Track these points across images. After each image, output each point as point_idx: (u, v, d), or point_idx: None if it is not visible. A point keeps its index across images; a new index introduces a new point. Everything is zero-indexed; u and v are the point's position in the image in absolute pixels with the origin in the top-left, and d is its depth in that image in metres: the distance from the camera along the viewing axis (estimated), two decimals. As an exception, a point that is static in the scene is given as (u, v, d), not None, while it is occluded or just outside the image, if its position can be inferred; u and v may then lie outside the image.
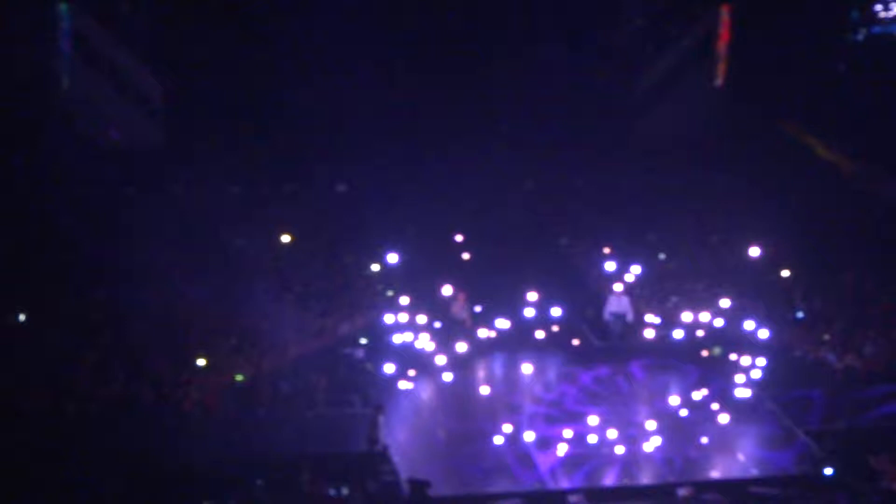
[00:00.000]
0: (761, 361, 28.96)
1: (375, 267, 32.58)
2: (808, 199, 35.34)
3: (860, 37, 42.25)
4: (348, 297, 32.10)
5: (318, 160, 37.07)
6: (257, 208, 34.50)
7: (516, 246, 33.95)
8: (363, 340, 30.24)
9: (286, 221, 34.10)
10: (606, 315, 30.52)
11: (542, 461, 26.24)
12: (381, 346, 29.82)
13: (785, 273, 32.72)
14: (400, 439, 26.86)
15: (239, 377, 27.98)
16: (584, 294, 32.72)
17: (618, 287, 30.39)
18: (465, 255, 32.12)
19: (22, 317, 28.95)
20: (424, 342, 29.88)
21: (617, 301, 30.46)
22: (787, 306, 32.32)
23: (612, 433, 26.87)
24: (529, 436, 26.63)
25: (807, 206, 34.89)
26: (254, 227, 33.68)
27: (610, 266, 32.55)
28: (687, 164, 37.80)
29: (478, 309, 30.92)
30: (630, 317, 30.44)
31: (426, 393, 28.89)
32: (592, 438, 26.87)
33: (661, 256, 33.89)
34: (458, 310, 30.13)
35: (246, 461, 25.51)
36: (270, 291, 31.18)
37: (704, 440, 26.96)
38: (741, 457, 26.93)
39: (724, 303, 31.36)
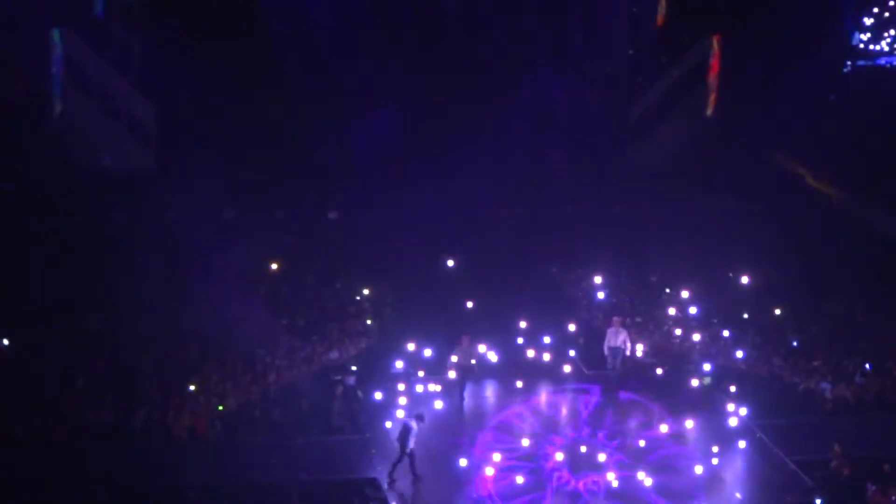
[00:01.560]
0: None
1: (366, 292, 32.71)
2: (798, 228, 35.31)
3: (847, 69, 42.30)
4: (339, 324, 32.06)
5: (310, 186, 36.94)
6: (249, 234, 34.33)
7: (507, 273, 33.88)
8: (354, 368, 30.15)
9: (278, 247, 34.18)
10: (605, 350, 30.04)
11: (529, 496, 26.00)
12: (371, 374, 29.94)
13: (777, 311, 32.77)
14: (389, 468, 26.51)
15: (221, 407, 27.88)
16: (575, 322, 32.63)
17: (616, 321, 30.10)
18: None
19: (8, 342, 28.94)
20: (416, 370, 29.88)
21: (615, 335, 29.79)
22: (780, 335, 32.38)
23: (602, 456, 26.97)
24: (519, 479, 26.32)
25: (798, 235, 34.86)
26: (246, 252, 33.50)
27: (601, 294, 32.76)
28: (677, 192, 37.81)
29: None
30: (628, 352, 29.92)
31: (417, 421, 28.22)
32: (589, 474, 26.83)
33: (667, 290, 33.72)
34: (464, 356, 29.02)
35: (235, 488, 25.26)
36: (261, 318, 31.18)
37: (699, 469, 26.77)
38: (727, 484, 26.65)
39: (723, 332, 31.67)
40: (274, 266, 33.80)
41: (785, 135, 38.29)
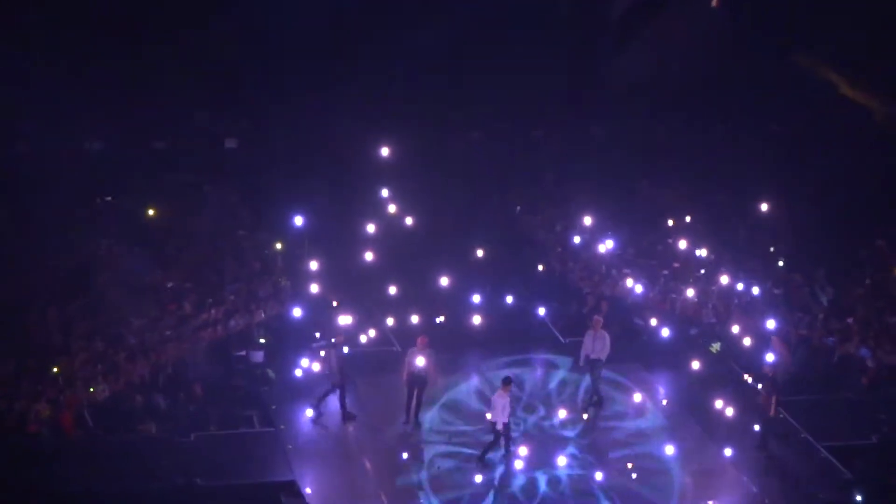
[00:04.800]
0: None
1: (278, 245, 32.60)
2: (829, 153, 35.17)
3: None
4: (242, 284, 31.97)
5: (201, 110, 36.77)
6: (124, 170, 34.23)
7: (459, 217, 34.07)
8: (262, 340, 30.07)
9: (160, 187, 33.92)
10: (581, 359, 29.16)
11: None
12: (286, 347, 29.93)
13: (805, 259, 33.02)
14: (310, 468, 26.71)
15: (92, 389, 27.70)
16: (546, 273, 32.95)
17: (597, 322, 29.13)
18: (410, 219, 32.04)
19: None
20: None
21: (592, 341, 28.88)
22: (808, 287, 32.53)
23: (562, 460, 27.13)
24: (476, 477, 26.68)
25: (828, 162, 34.79)
26: (120, 193, 33.43)
27: (577, 239, 33.07)
28: (673, 110, 37.86)
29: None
30: (605, 355, 28.95)
31: (340, 410, 28.57)
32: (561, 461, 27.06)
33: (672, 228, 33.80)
34: (418, 363, 28.18)
35: (112, 496, 25.00)
36: (140, 277, 31.00)
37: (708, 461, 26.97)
38: (745, 480, 26.75)
39: (724, 279, 31.72)
40: (154, 212, 33.57)
41: (813, 32, 38.09)
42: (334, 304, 30.85)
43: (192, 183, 35.22)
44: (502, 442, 26.73)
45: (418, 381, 28.21)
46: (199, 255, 33.00)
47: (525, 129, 37.61)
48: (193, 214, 34.20)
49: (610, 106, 37.67)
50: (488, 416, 26.79)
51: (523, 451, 26.73)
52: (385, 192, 32.23)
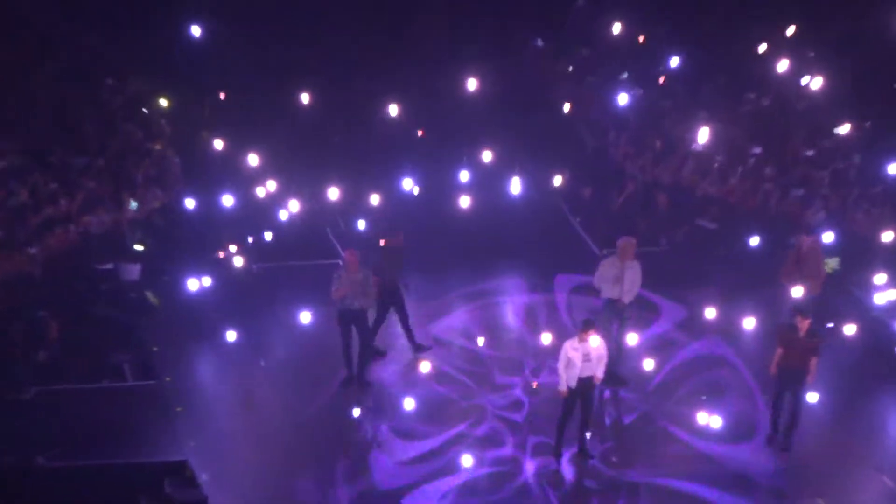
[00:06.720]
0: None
1: (163, 101, 30.07)
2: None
3: None
4: (111, 162, 28.69)
5: None
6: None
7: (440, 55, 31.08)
8: (139, 246, 27.31)
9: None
10: (604, 308, 24.65)
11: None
12: (175, 256, 27.13)
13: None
14: (209, 442, 23.03)
15: None
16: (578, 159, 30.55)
17: (626, 245, 24.48)
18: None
19: None
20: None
21: (618, 274, 24.24)
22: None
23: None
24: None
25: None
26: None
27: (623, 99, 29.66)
28: None
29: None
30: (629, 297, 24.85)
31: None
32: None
33: None
34: (352, 290, 24.23)
35: None
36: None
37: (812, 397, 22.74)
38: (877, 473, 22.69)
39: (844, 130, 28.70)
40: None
41: None
42: (253, 160, 28.21)
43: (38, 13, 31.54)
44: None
45: (352, 317, 24.50)
46: (43, 117, 29.40)
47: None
48: (37, 57, 30.19)
49: None
50: (534, 384, 24.09)
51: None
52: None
